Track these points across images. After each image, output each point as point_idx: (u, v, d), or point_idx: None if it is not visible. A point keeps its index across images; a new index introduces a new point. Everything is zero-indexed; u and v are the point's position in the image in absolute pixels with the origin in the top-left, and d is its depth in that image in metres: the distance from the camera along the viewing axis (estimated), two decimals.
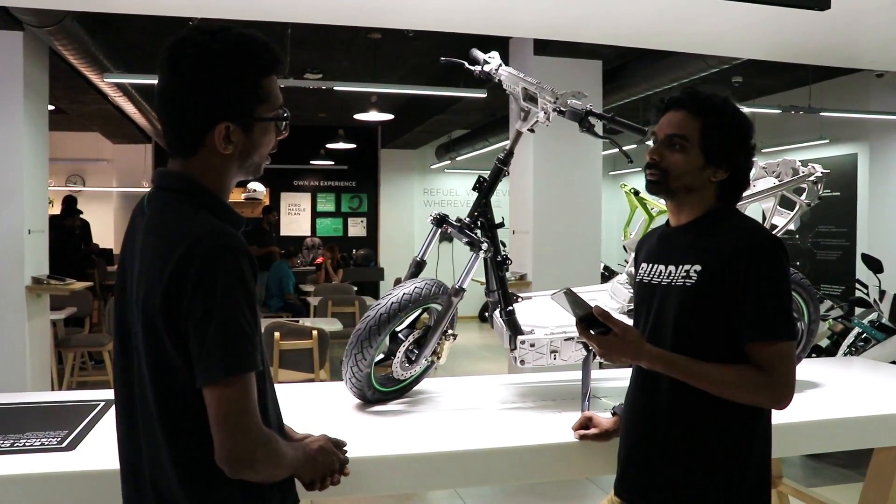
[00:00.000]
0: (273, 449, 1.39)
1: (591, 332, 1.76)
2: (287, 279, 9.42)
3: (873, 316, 5.97)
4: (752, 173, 2.99)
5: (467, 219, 2.55)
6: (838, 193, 8.78)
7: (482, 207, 2.55)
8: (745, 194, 2.84)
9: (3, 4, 4.53)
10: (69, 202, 9.69)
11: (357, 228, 13.32)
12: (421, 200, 13.33)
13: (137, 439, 1.45)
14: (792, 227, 2.86)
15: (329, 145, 11.59)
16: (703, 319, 1.76)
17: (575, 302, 1.73)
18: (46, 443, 2.08)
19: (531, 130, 2.54)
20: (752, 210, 2.90)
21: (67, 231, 8.91)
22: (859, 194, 8.59)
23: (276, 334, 5.18)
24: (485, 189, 2.55)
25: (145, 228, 1.42)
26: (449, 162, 12.39)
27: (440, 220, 2.56)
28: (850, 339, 5.89)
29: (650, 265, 1.91)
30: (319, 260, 11.46)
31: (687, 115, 1.82)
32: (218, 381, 1.30)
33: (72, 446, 2.06)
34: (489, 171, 2.57)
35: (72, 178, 12.79)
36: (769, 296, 1.70)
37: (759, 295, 1.70)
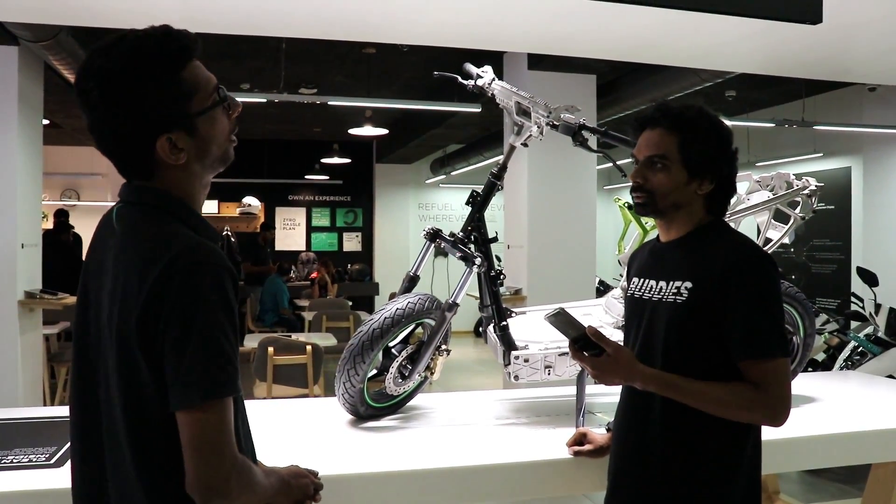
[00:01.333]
0: (247, 477, 1.29)
1: (585, 353, 1.75)
2: (281, 294, 9.40)
3: (869, 329, 5.97)
4: (746, 187, 2.99)
5: (461, 233, 2.55)
6: (832, 207, 8.80)
7: (476, 222, 2.54)
8: (739, 208, 2.86)
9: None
10: (62, 216, 9.66)
11: (352, 243, 13.30)
12: (416, 215, 13.33)
13: (100, 466, 1.34)
14: (786, 240, 2.86)
15: (324, 160, 11.60)
16: (694, 336, 1.74)
17: (569, 322, 1.72)
18: (34, 459, 2.06)
19: (525, 145, 2.53)
20: (746, 224, 2.90)
21: (64, 245, 8.86)
22: (853, 207, 8.60)
23: (270, 349, 5.16)
24: (478, 203, 2.54)
25: (119, 246, 1.33)
26: (444, 176, 12.40)
27: (433, 235, 2.55)
28: (846, 352, 5.89)
29: (641, 280, 1.90)
30: (314, 275, 11.44)
31: (663, 133, 1.81)
32: (194, 404, 1.21)
33: (59, 463, 2.04)
34: (483, 186, 2.56)
35: (66, 192, 12.76)
36: (761, 312, 1.69)
37: (752, 312, 1.68)
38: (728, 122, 8.18)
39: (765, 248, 2.81)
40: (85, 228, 11.01)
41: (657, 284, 1.83)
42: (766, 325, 1.69)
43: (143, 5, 3.80)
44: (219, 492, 1.24)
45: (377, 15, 4.11)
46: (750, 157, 9.51)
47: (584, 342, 1.74)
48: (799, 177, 2.94)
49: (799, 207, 2.84)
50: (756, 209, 2.81)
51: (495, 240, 2.55)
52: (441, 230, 2.56)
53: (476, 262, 2.48)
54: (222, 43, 5.68)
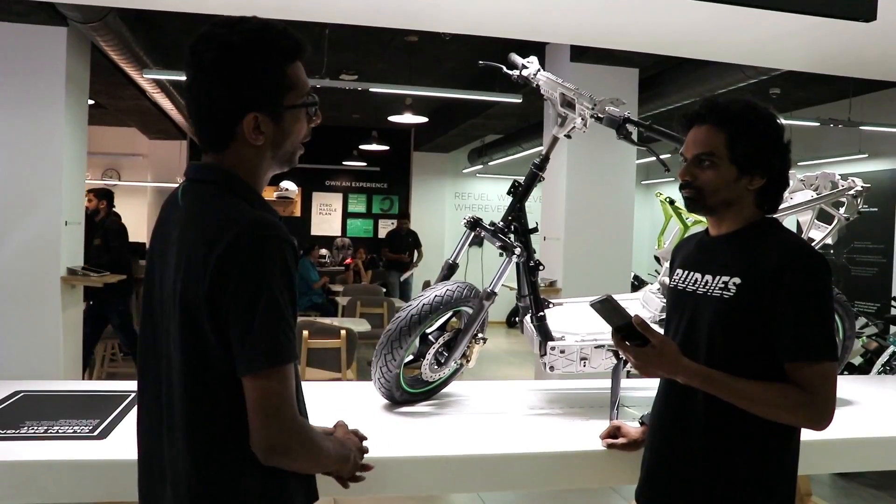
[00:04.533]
0: (309, 439, 1.40)
1: (628, 343, 1.74)
2: (308, 272, 9.47)
3: None
4: (791, 185, 2.95)
5: (501, 223, 2.55)
6: (876, 209, 8.63)
7: (516, 212, 2.54)
8: (781, 206, 2.82)
9: (48, 0, 4.62)
10: (111, 197, 9.63)
11: (388, 230, 13.37)
12: (452, 204, 13.34)
13: (160, 432, 1.44)
14: (829, 241, 2.82)
15: (362, 146, 11.65)
16: (739, 333, 1.72)
17: (615, 310, 1.70)
18: (79, 430, 2.12)
19: (568, 136, 2.53)
20: (788, 223, 2.87)
21: (116, 227, 8.90)
22: None
23: (305, 332, 5.20)
24: (520, 193, 2.54)
25: (183, 221, 1.40)
26: (481, 166, 12.39)
27: (474, 224, 2.56)
28: (884, 357, 5.78)
29: (685, 272, 1.88)
30: (349, 261, 11.52)
31: (710, 130, 1.78)
32: (261, 370, 1.30)
33: (103, 435, 2.09)
34: (524, 176, 2.56)
35: (108, 171, 12.98)
36: (812, 315, 1.66)
37: (802, 313, 1.66)
38: (782, 122, 8.09)
39: None
40: (125, 208, 11.19)
41: (703, 277, 1.81)
42: (816, 327, 1.66)
43: None
44: (279, 450, 1.34)
45: (421, 3, 4.12)
46: (792, 155, 9.36)
47: (629, 332, 1.72)
48: (845, 177, 2.90)
49: (843, 208, 2.80)
50: (799, 208, 2.78)
51: (535, 230, 2.55)
52: (481, 219, 2.57)
53: (516, 252, 2.49)
54: None
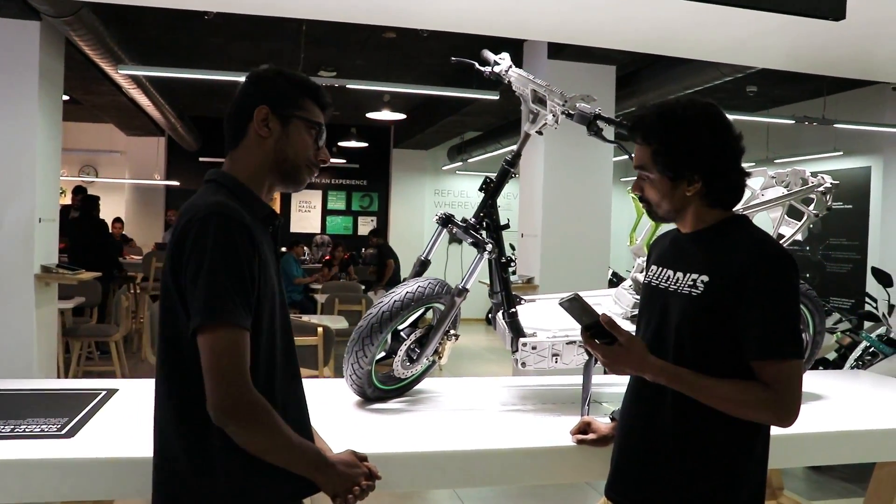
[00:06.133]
0: (263, 413, 1.49)
1: (597, 341, 1.75)
2: (290, 267, 9.46)
3: (882, 330, 5.93)
4: (761, 182, 2.98)
5: (473, 219, 2.55)
6: (851, 206, 8.74)
7: (488, 209, 2.54)
8: (753, 202, 2.84)
9: None
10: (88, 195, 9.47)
11: (367, 227, 13.34)
12: (432, 201, 13.33)
13: (156, 398, 1.62)
14: (799, 237, 2.84)
15: (341, 143, 11.62)
16: (706, 330, 1.73)
17: (583, 308, 1.72)
18: (46, 429, 2.09)
19: (539, 133, 2.53)
20: (760, 219, 2.89)
21: (101, 224, 8.84)
22: (872, 207, 8.54)
23: None
24: (491, 190, 2.54)
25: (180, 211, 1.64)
26: (461, 163, 12.39)
27: (446, 220, 2.56)
28: (857, 352, 5.85)
29: (659, 268, 1.89)
30: (328, 257, 11.48)
31: (640, 145, 1.82)
32: (203, 327, 1.46)
33: (71, 434, 2.07)
34: (497, 173, 2.56)
35: (85, 168, 12.86)
36: (778, 313, 1.67)
37: (768, 311, 1.66)
38: (748, 118, 8.15)
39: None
40: (103, 205, 11.08)
41: (675, 274, 1.81)
42: (782, 325, 1.67)
43: None
44: (227, 412, 1.47)
45: (398, 1, 4.11)
46: (769, 153, 9.44)
47: (597, 330, 1.73)
48: (815, 174, 2.92)
49: (813, 204, 2.82)
50: (769, 205, 2.80)
51: (507, 227, 2.55)
52: (453, 215, 2.57)
53: (487, 249, 2.49)
54: (243, 23, 5.69)
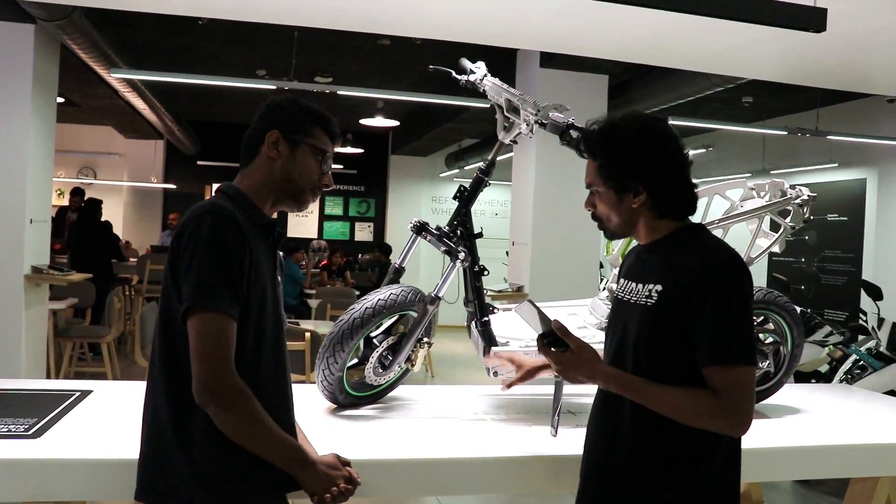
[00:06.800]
0: (244, 399, 1.59)
1: (553, 349, 1.75)
2: (294, 272, 9.45)
3: (871, 344, 5.92)
4: (741, 193, 2.98)
5: (446, 227, 2.56)
6: (846, 218, 8.74)
7: (462, 217, 2.55)
8: (730, 214, 2.85)
9: None
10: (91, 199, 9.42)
11: (364, 233, 13.36)
12: (429, 208, 13.34)
13: (149, 386, 1.72)
14: (776, 248, 2.84)
15: (337, 149, 11.60)
16: (660, 340, 1.73)
17: (537, 315, 1.72)
18: (13, 429, 2.09)
19: (514, 142, 2.54)
20: (739, 231, 2.89)
21: (104, 227, 8.86)
22: (867, 220, 8.53)
23: None
24: (465, 198, 2.56)
25: None
26: (458, 171, 12.40)
27: (420, 228, 2.56)
28: (846, 365, 5.84)
29: (626, 282, 1.90)
30: (324, 262, 11.48)
31: (587, 162, 1.88)
32: (191, 312, 1.58)
33: (38, 434, 2.07)
34: (471, 181, 2.57)
35: (83, 170, 12.89)
36: (727, 318, 1.66)
37: (717, 317, 1.65)
38: (741, 129, 8.11)
39: (753, 256, 2.81)
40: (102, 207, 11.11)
41: (636, 287, 1.82)
42: (731, 331, 1.66)
43: None
44: (209, 392, 1.57)
45: (391, 7, 4.13)
46: (765, 164, 9.45)
47: (554, 338, 1.74)
48: (794, 186, 2.92)
49: (790, 217, 2.82)
50: (746, 216, 2.80)
51: (480, 235, 2.56)
52: (427, 223, 2.57)
53: (460, 257, 2.50)
54: (238, 28, 5.72)
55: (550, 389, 2.70)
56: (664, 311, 1.72)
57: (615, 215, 1.83)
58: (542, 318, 1.72)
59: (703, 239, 1.80)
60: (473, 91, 2.75)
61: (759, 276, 8.62)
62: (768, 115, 9.17)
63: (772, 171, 9.32)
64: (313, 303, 8.39)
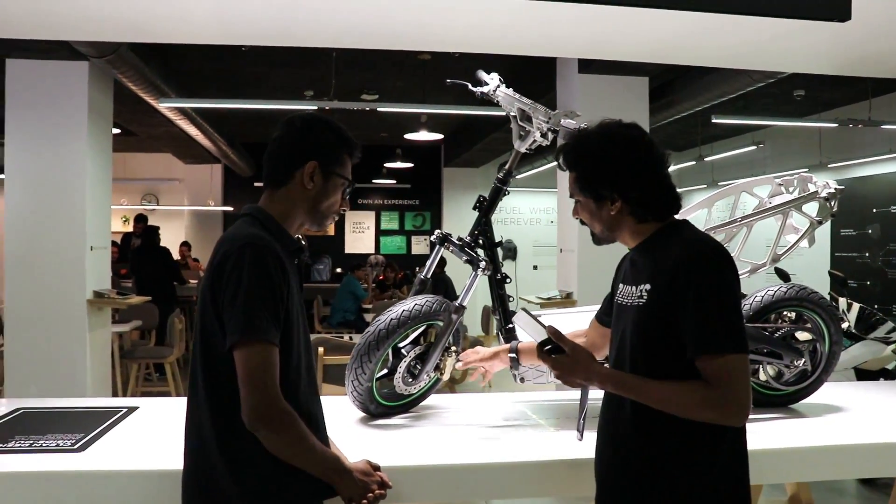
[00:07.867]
0: (291, 421, 1.67)
1: (552, 355, 1.79)
2: (356, 288, 9.61)
3: None
4: (769, 190, 2.95)
5: (468, 237, 2.61)
6: None
7: (482, 226, 2.60)
8: (757, 210, 2.82)
9: (59, 39, 4.83)
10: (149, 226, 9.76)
11: (421, 246, 13.47)
12: None
13: (191, 405, 1.79)
14: (805, 244, 2.79)
15: (387, 164, 11.78)
16: (654, 337, 1.75)
17: (533, 323, 1.75)
18: (61, 444, 2.22)
19: (529, 150, 2.58)
20: (766, 226, 2.86)
21: (163, 252, 9.23)
22: None
23: (321, 349, 5.31)
24: (485, 208, 2.60)
25: (219, 241, 1.82)
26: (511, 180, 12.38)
27: (442, 240, 2.62)
28: None
29: (623, 286, 1.93)
30: (381, 277, 11.63)
31: (568, 174, 1.94)
32: (238, 343, 1.64)
33: (83, 448, 2.19)
34: (490, 191, 2.62)
35: (146, 196, 13.35)
36: (712, 308, 1.67)
37: (701, 307, 1.66)
38: (789, 123, 7.89)
39: (780, 253, 2.78)
40: (163, 232, 11.49)
41: (630, 290, 1.86)
42: (717, 320, 1.66)
43: (188, 23, 4.00)
44: (259, 418, 1.64)
45: (428, 24, 4.19)
46: (822, 158, 9.20)
47: (553, 345, 1.78)
48: (820, 180, 2.88)
49: (816, 211, 2.78)
50: (772, 212, 2.77)
51: (500, 244, 2.61)
52: (450, 234, 2.63)
53: (481, 266, 2.54)
54: (283, 51, 5.88)
55: (577, 395, 2.73)
56: (654, 308, 1.75)
57: (597, 223, 1.91)
58: (538, 325, 1.75)
59: (684, 234, 1.82)
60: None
61: (819, 272, 8.38)
62: (822, 108, 8.95)
63: (829, 165, 9.08)
64: (369, 317, 8.50)
